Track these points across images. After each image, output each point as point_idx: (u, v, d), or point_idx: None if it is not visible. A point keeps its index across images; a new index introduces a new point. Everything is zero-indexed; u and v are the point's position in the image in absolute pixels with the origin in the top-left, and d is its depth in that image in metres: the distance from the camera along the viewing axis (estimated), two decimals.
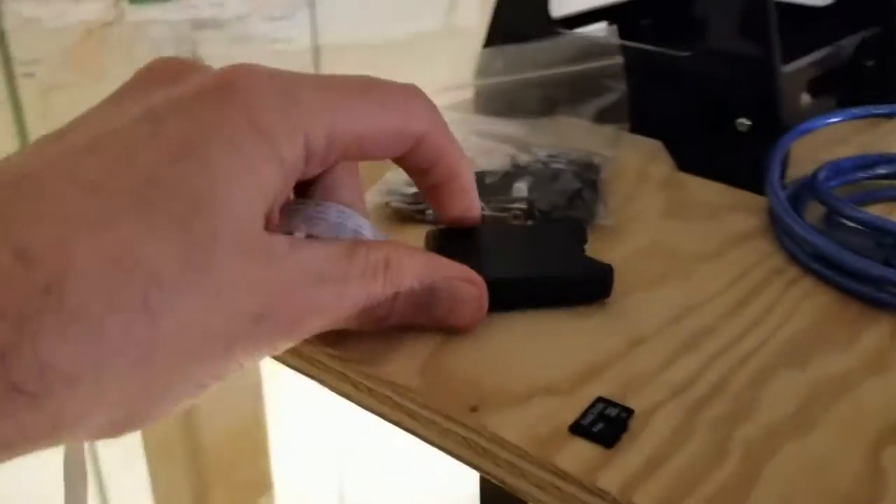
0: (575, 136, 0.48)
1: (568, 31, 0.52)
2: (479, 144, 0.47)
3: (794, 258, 0.38)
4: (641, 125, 0.49)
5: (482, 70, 0.54)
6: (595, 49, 0.49)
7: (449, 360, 0.31)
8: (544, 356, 0.31)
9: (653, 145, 0.49)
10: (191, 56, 0.94)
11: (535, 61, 0.51)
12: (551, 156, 0.44)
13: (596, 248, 0.37)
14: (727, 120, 0.45)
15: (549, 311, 0.34)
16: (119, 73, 0.29)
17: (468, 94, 0.55)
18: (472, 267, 0.32)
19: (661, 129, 0.48)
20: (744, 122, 0.44)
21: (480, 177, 0.42)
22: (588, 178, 0.42)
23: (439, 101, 0.53)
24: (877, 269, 0.34)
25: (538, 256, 0.36)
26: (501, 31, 0.54)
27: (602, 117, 0.49)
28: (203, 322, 0.23)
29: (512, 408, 0.29)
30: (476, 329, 0.32)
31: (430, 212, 0.41)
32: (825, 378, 0.30)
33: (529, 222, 0.40)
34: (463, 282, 0.31)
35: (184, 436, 0.90)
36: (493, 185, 0.42)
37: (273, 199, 0.26)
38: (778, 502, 0.25)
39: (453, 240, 0.35)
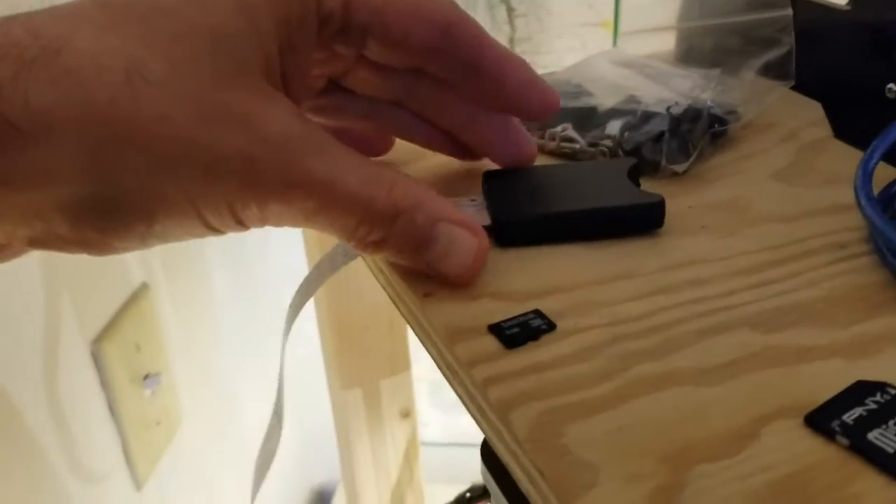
0: (726, 85, 0.46)
1: None
2: (614, 78, 0.47)
3: (871, 239, 0.34)
4: (806, 84, 0.45)
5: (683, 14, 0.53)
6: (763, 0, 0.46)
7: None
8: (523, 272, 0.33)
9: (812, 107, 0.45)
10: None
11: (710, 8, 0.49)
12: (676, 102, 0.43)
13: (664, 193, 0.37)
14: (880, 85, 0.40)
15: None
16: None
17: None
18: (523, 203, 0.35)
19: (823, 90, 0.44)
20: (892, 87, 0.39)
21: (590, 110, 0.43)
22: (693, 127, 0.41)
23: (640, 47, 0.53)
24: None
25: (589, 190, 0.37)
26: None
27: (767, 72, 0.46)
28: (184, 129, 0.25)
29: (458, 301, 0.31)
30: (470, 282, 0.32)
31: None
32: (781, 346, 0.28)
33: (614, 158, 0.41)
34: (465, 230, 0.30)
35: None
36: (595, 121, 0.42)
37: (275, 46, 0.28)
38: (618, 430, 0.25)
39: (509, 177, 0.37)
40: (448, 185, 0.39)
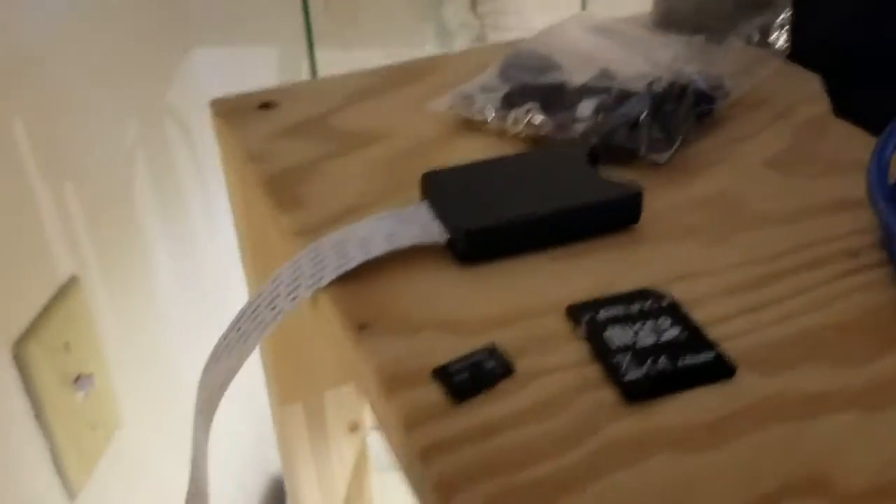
0: (712, 55, 0.40)
1: None
2: (587, 48, 0.41)
3: (885, 246, 0.29)
4: (803, 54, 0.40)
5: None
6: None
7: (379, 278, 0.29)
8: (478, 294, 0.28)
9: (809, 80, 0.40)
10: None
11: None
12: (657, 77, 0.37)
13: (647, 189, 0.32)
14: (892, 55, 0.34)
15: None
16: None
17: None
18: (479, 209, 0.29)
19: (823, 61, 0.39)
20: None
21: (559, 87, 0.37)
22: (677, 107, 0.35)
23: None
24: None
25: (551, 186, 0.31)
26: None
27: (759, 39, 0.41)
28: None
29: (399, 335, 0.26)
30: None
31: (492, 120, 0.38)
32: (784, 394, 0.23)
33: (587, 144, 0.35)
34: None
35: None
36: (565, 100, 0.37)
37: None
38: None
39: (454, 179, 0.32)
40: (384, 188, 0.34)
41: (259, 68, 0.97)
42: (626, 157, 0.34)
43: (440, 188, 0.31)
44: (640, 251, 0.29)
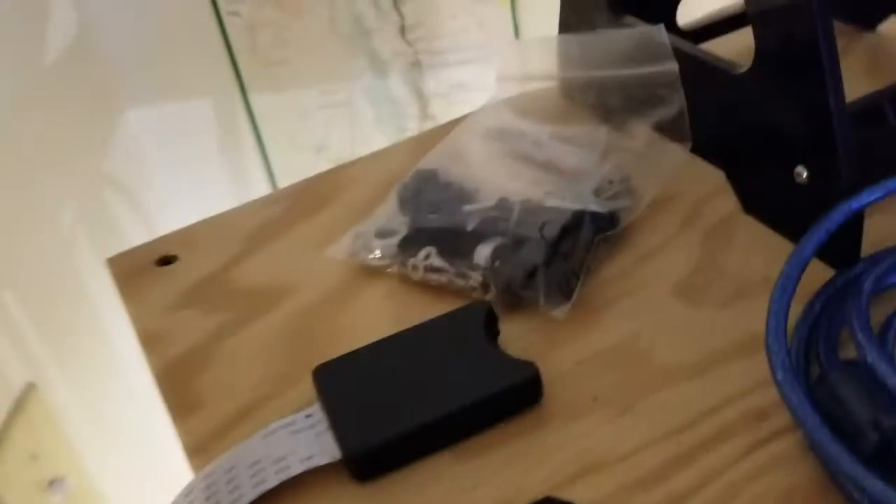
0: (618, 152, 0.39)
1: (624, 24, 0.41)
2: (485, 162, 0.40)
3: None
4: (704, 150, 0.38)
5: (561, 59, 0.45)
6: (645, 50, 0.38)
7: None
8: None
9: (716, 175, 0.38)
10: None
11: (589, 58, 0.42)
12: (547, 220, 0.35)
13: (550, 344, 0.31)
14: (788, 163, 0.33)
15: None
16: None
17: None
18: (372, 417, 0.28)
19: (725, 160, 0.38)
20: (801, 171, 0.32)
21: (454, 231, 0.36)
22: (575, 243, 0.34)
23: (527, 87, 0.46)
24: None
25: (446, 374, 0.30)
26: (570, 18, 0.44)
27: (661, 132, 0.39)
28: None
29: None
30: None
31: (393, 266, 0.36)
32: None
33: (487, 297, 0.34)
34: None
35: None
36: (462, 244, 0.35)
37: None
38: None
39: (345, 373, 0.30)
40: (284, 373, 0.32)
41: (196, 122, 0.95)
42: (528, 304, 0.33)
43: (331, 387, 0.30)
44: (544, 437, 0.28)
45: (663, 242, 0.36)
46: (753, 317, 0.31)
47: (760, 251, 0.34)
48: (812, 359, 0.28)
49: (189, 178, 0.92)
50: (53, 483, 0.63)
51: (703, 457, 0.26)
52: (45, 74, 0.68)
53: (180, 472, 0.29)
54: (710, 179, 0.38)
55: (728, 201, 0.37)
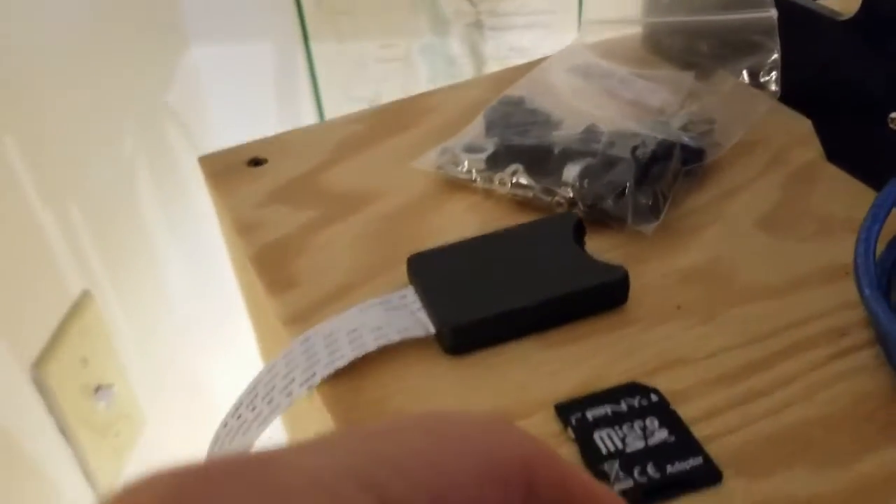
0: (702, 97, 0.40)
1: None
2: (571, 95, 0.41)
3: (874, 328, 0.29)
4: (793, 97, 0.39)
5: (650, 4, 0.46)
6: None
7: (369, 374, 0.29)
8: (465, 391, 0.28)
9: (801, 123, 0.39)
10: None
11: (681, 3, 0.43)
12: (642, 141, 0.36)
13: (634, 259, 0.32)
14: (882, 110, 0.34)
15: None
16: None
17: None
18: (465, 299, 0.29)
19: (813, 107, 0.38)
20: (895, 117, 0.33)
21: (543, 148, 0.37)
22: (664, 170, 0.35)
23: (605, 34, 0.47)
24: None
25: (537, 270, 0.31)
26: None
27: (749, 80, 0.40)
28: None
29: None
30: None
31: (479, 180, 0.37)
32: (767, 501, 0.24)
33: (574, 211, 0.35)
34: None
35: None
36: (549, 163, 0.36)
37: None
38: None
39: (438, 262, 0.32)
40: (374, 262, 0.34)
41: (256, 64, 0.96)
42: (615, 223, 0.34)
43: (425, 273, 0.31)
44: (628, 335, 0.29)
45: (747, 182, 0.37)
46: (836, 250, 0.32)
47: (842, 195, 0.35)
48: (893, 287, 0.29)
49: (243, 118, 0.94)
50: (99, 389, 0.65)
51: (783, 362, 0.28)
52: (119, 3, 0.70)
53: (218, 405, 0.28)
54: (794, 128, 0.39)
55: (811, 150, 0.38)
